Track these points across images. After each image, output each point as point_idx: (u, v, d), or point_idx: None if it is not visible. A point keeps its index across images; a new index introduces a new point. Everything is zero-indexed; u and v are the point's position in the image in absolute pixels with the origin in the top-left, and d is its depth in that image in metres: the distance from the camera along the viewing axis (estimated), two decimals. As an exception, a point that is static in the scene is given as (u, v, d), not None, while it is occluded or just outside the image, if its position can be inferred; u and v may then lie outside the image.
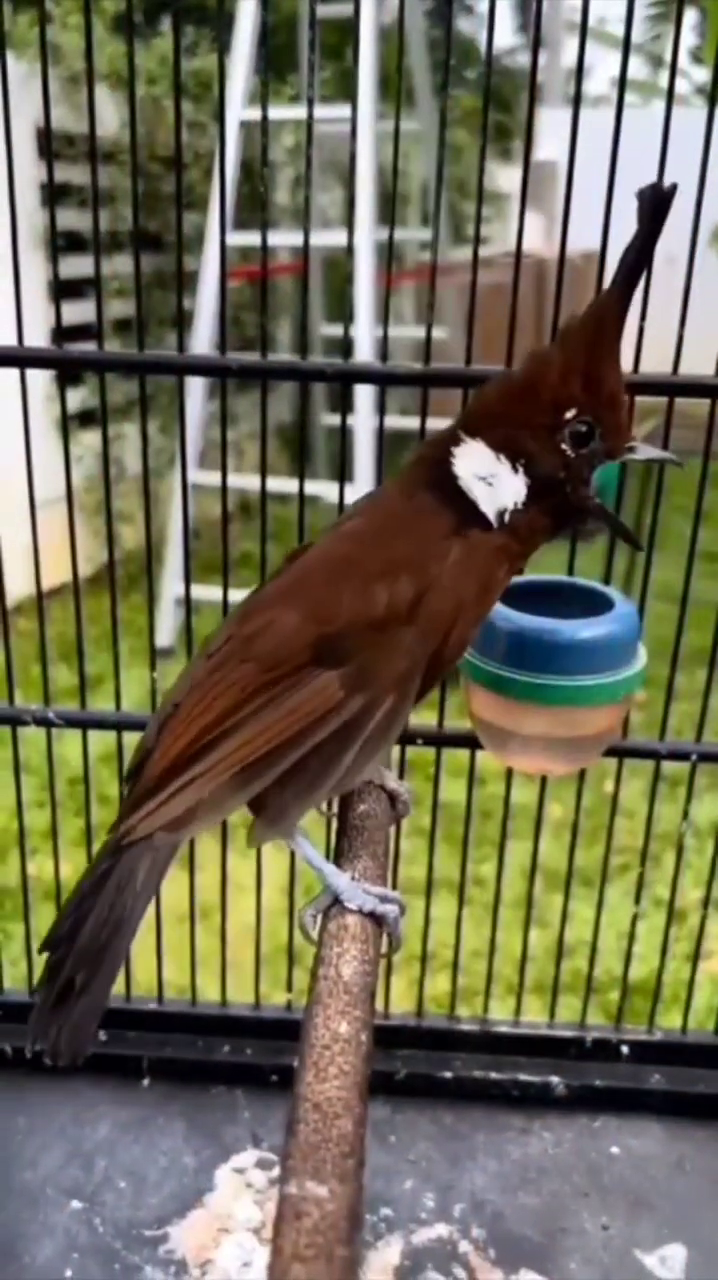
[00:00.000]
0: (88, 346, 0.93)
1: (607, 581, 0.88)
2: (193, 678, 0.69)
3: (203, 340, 3.28)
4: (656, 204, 0.65)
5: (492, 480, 0.68)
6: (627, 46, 0.86)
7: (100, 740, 1.01)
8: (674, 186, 0.65)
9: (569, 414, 0.67)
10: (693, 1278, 0.90)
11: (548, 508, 0.68)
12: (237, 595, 0.98)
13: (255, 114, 3.20)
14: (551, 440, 0.67)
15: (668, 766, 1.00)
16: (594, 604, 0.79)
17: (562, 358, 0.67)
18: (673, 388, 0.88)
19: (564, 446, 0.67)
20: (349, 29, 0.90)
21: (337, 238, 3.57)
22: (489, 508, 0.68)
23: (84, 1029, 0.64)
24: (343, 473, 0.98)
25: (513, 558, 0.69)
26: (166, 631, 3.31)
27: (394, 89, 0.86)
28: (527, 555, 0.71)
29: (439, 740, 0.98)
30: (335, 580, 0.68)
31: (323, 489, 3.03)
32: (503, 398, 0.69)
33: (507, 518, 0.68)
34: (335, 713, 0.65)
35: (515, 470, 0.68)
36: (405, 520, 0.69)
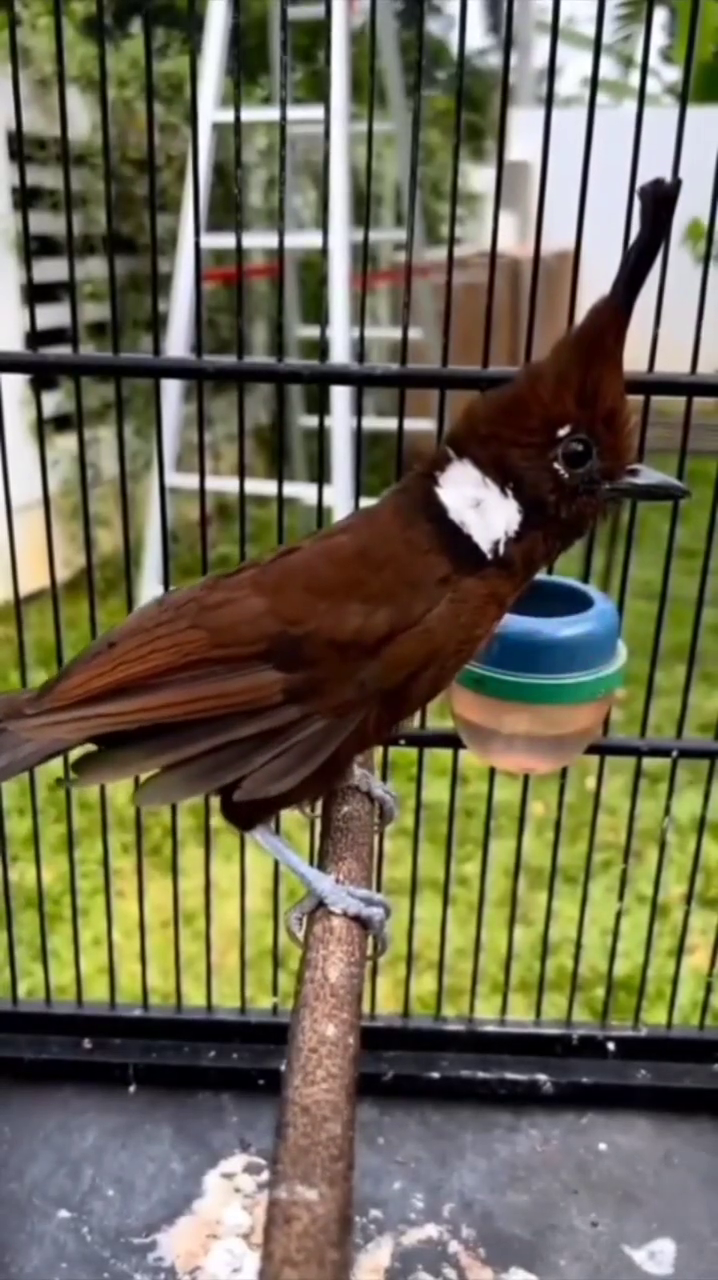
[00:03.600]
0: (63, 350, 0.92)
1: (586, 579, 0.88)
2: (138, 624, 0.67)
3: (178, 343, 3.27)
4: (658, 201, 0.61)
5: (481, 506, 0.64)
6: (598, 47, 0.86)
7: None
8: (679, 182, 0.61)
9: (563, 431, 0.62)
10: (682, 1271, 0.90)
11: (546, 532, 0.64)
12: (216, 598, 0.98)
13: (228, 116, 3.20)
14: (543, 460, 0.63)
15: (649, 763, 1.00)
16: (574, 602, 0.79)
17: (555, 370, 0.62)
18: (649, 385, 0.88)
19: (558, 467, 0.63)
20: (320, 30, 0.90)
21: (311, 239, 3.56)
22: (484, 540, 0.64)
23: None
24: (321, 474, 0.98)
25: (504, 598, 0.66)
26: (146, 636, 3.30)
27: (367, 90, 0.86)
28: (523, 588, 0.67)
29: (421, 740, 0.98)
30: (314, 588, 0.65)
31: (301, 490, 3.03)
32: (492, 414, 0.64)
33: (501, 549, 0.64)
34: (265, 714, 0.63)
35: (505, 494, 0.63)
36: (398, 551, 0.65)
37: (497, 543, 0.64)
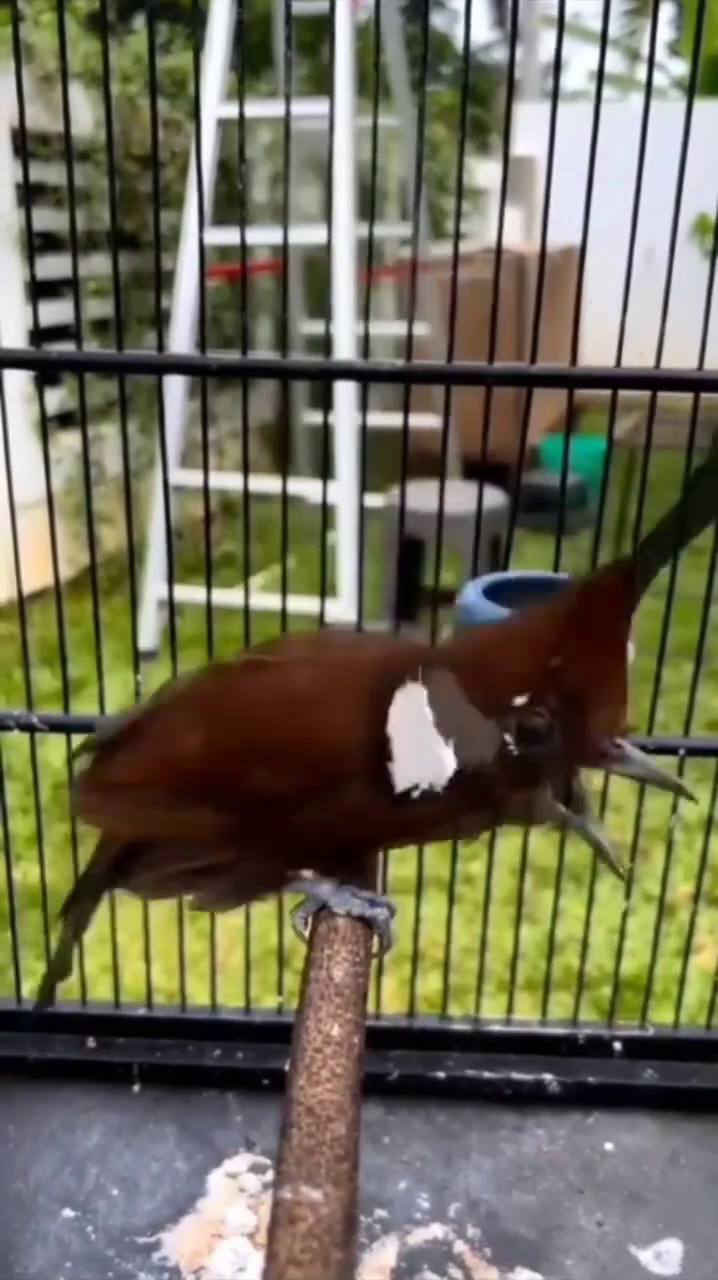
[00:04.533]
0: (66, 347, 0.92)
1: (592, 577, 0.87)
2: (131, 722, 0.68)
3: (182, 339, 3.26)
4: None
5: (416, 740, 0.56)
6: (604, 41, 0.86)
7: (85, 744, 1.00)
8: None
9: (519, 700, 0.54)
10: (689, 1271, 0.90)
11: (471, 803, 0.57)
12: (219, 596, 0.97)
13: (232, 111, 3.19)
14: (491, 726, 0.55)
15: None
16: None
17: (533, 628, 0.56)
18: (656, 382, 0.88)
19: (507, 738, 0.55)
20: (325, 25, 0.89)
21: (316, 235, 3.55)
22: (400, 776, 0.57)
23: None
24: (325, 471, 0.97)
25: (408, 834, 0.61)
26: (149, 634, 3.30)
27: (371, 85, 0.86)
28: (427, 839, 0.63)
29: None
30: (247, 730, 0.63)
31: (305, 487, 3.02)
32: (478, 649, 0.58)
33: (414, 794, 0.57)
34: (207, 849, 0.65)
35: (446, 744, 0.56)
36: (331, 718, 0.60)
37: (412, 788, 0.57)
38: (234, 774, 0.62)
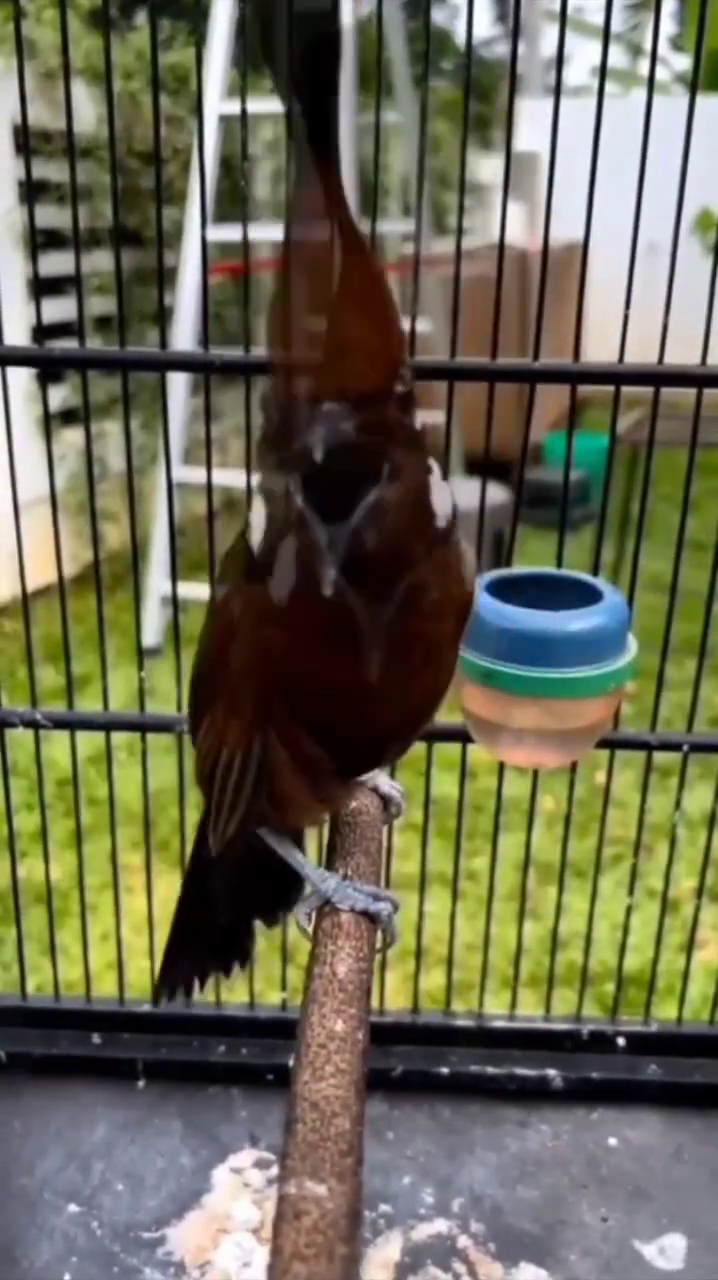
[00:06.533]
0: (69, 344, 0.92)
1: (595, 572, 0.87)
2: None
3: (185, 336, 3.26)
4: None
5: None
6: (607, 35, 0.86)
7: (88, 741, 1.01)
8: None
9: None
10: (693, 1267, 0.90)
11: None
12: (224, 593, 0.98)
13: (234, 107, 3.18)
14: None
15: (660, 757, 1.00)
16: (583, 595, 0.78)
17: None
18: (658, 377, 0.88)
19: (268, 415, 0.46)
20: (327, 20, 0.89)
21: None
22: (255, 534, 0.49)
23: None
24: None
25: (297, 626, 0.49)
26: (153, 630, 3.30)
27: (373, 81, 0.86)
28: (304, 618, 0.48)
29: (430, 735, 0.97)
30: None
31: (308, 484, 3.02)
32: None
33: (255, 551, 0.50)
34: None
35: None
36: (233, 557, 0.57)
37: (256, 546, 0.49)
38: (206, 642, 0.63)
